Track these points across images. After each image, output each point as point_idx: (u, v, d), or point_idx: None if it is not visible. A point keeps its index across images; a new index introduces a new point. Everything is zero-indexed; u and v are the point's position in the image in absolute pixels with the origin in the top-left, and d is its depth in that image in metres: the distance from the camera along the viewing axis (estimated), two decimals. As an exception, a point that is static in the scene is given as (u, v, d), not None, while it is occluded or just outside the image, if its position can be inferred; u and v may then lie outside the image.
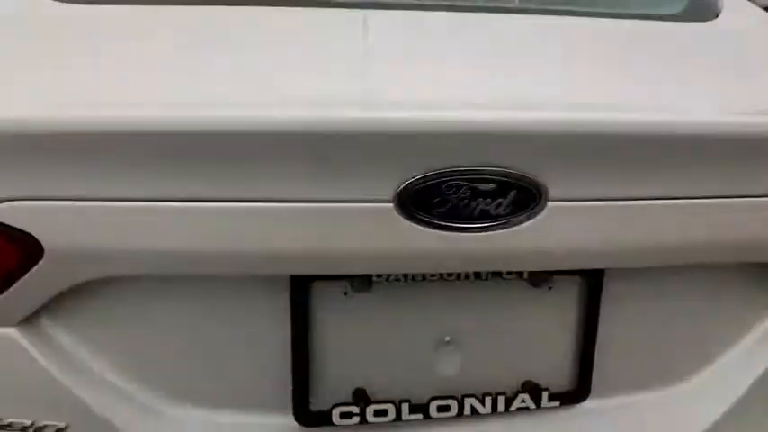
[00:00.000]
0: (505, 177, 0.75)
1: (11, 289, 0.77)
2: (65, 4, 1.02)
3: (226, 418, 0.87)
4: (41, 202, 0.73)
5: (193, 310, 0.84)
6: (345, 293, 0.85)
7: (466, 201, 0.75)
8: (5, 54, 0.87)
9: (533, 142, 0.74)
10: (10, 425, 0.83)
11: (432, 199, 0.74)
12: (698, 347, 0.95)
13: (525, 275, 0.86)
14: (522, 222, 0.77)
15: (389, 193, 0.74)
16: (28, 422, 0.83)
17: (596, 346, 0.90)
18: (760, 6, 1.33)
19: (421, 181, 0.73)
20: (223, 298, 0.84)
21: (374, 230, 0.76)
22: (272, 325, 0.85)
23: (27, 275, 0.76)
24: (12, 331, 0.80)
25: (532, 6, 1.23)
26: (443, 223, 0.75)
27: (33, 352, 0.81)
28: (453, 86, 0.83)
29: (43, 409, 0.82)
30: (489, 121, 0.73)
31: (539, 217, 0.77)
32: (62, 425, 0.83)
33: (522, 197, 0.76)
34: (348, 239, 0.77)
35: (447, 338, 0.88)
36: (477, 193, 0.74)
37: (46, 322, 0.82)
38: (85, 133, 0.71)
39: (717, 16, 1.25)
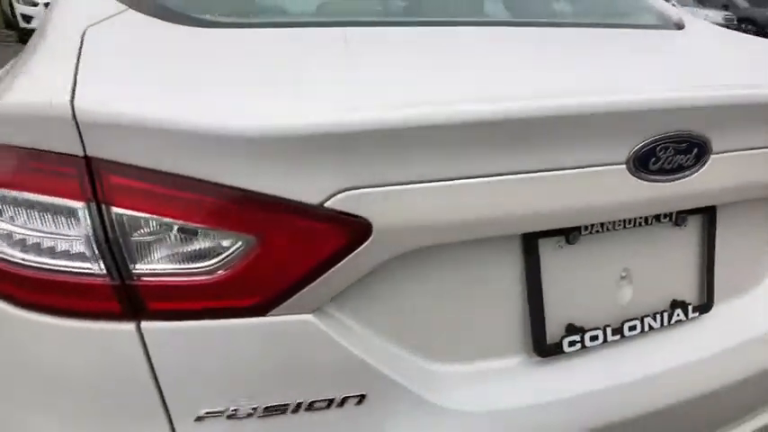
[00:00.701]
0: (692, 138, 1.00)
1: (334, 268, 0.86)
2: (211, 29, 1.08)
3: (482, 365, 1.02)
4: (371, 189, 0.85)
5: (448, 275, 0.98)
6: (560, 246, 1.05)
7: (670, 158, 0.99)
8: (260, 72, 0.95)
9: (708, 112, 1.01)
10: (312, 404, 0.91)
11: (649, 158, 0.98)
12: (761, 263, 1.29)
13: (673, 218, 1.13)
14: (698, 170, 1.03)
15: (624, 156, 0.97)
16: (331, 397, 0.91)
17: (714, 269, 1.19)
18: (739, 17, 1.76)
19: (646, 146, 0.97)
20: (471, 261, 0.99)
21: (607, 187, 0.98)
22: (509, 279, 1.02)
23: (351, 255, 0.86)
24: (310, 317, 0.89)
25: (560, 21, 1.52)
26: (656, 176, 0.99)
27: (332, 334, 0.89)
28: (647, 79, 1.08)
29: (344, 383, 0.91)
30: (687, 99, 0.99)
31: (706, 165, 1.04)
32: (361, 394, 0.93)
33: (700, 152, 1.02)
34: (585, 196, 0.97)
35: (623, 274, 1.12)
36: (676, 152, 1.00)
37: (329, 308, 0.91)
38: (403, 129, 0.84)
39: (682, 27, 1.62)
